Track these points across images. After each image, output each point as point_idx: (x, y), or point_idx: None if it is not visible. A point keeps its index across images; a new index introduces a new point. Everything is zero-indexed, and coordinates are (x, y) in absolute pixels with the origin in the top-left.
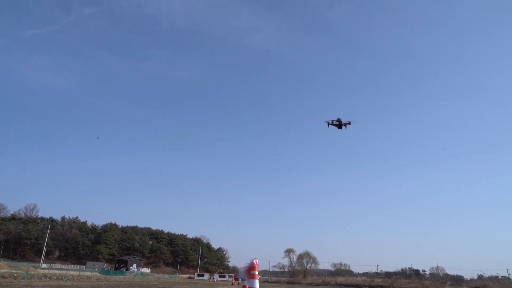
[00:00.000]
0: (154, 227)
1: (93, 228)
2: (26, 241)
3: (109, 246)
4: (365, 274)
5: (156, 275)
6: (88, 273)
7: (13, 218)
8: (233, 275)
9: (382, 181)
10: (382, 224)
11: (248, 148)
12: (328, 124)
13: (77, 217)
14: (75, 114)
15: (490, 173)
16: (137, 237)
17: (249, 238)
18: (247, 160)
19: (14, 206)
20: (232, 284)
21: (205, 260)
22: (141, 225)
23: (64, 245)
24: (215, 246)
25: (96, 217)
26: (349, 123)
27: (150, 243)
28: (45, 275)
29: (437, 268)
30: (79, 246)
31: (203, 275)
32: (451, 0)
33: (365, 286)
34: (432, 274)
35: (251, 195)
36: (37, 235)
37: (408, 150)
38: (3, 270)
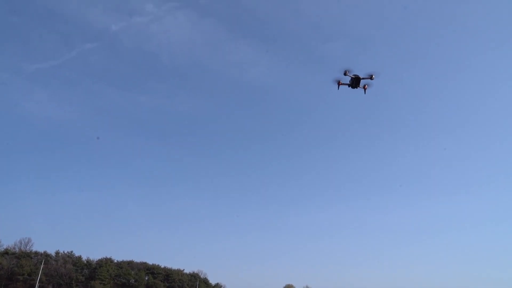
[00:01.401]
0: (150, 262)
1: (88, 263)
2: (19, 276)
3: (103, 282)
4: None
5: None
6: None
7: (6, 252)
8: None
9: (385, 215)
10: (381, 259)
11: (247, 181)
12: (339, 84)
13: (71, 252)
14: (72, 146)
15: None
16: (132, 272)
17: (248, 274)
18: (246, 194)
19: (8, 240)
20: None
21: None
22: (137, 259)
23: (58, 281)
24: (212, 281)
25: (91, 251)
26: (371, 78)
27: (146, 278)
28: None
29: None
30: (73, 282)
31: None
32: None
33: None
34: None
35: (250, 230)
36: (30, 271)
37: (412, 182)
38: None
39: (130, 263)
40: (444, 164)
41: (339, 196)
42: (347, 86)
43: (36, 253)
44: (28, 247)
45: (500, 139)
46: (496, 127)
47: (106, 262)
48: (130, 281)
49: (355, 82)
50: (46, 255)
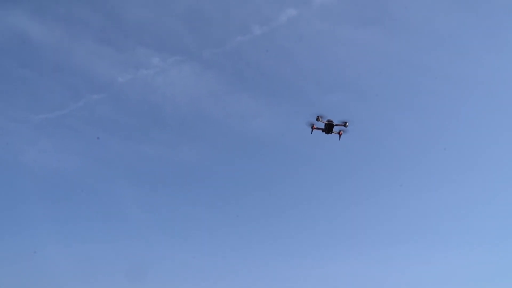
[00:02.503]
0: None
1: None
2: None
3: None
4: None
5: None
6: None
7: None
8: None
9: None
10: None
11: (252, 233)
12: (313, 128)
13: None
14: (74, 195)
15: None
16: None
17: None
18: (250, 246)
19: None
20: None
21: None
22: None
23: None
24: None
25: None
26: (345, 125)
27: None
28: None
29: None
30: None
31: None
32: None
33: None
34: None
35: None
36: None
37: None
38: None
39: None
40: (450, 216)
41: (355, 245)
42: (321, 131)
43: None
44: None
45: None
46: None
47: None
48: None
49: (328, 128)
50: None
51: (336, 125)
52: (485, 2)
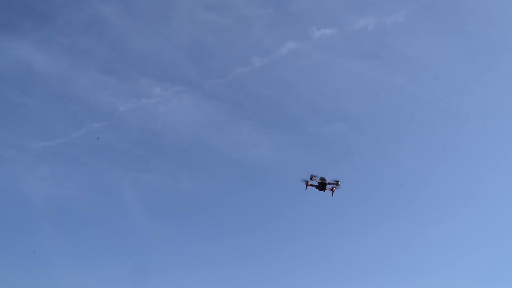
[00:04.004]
0: None
1: None
2: None
3: None
4: None
5: None
6: None
7: None
8: None
9: None
10: None
11: (253, 267)
12: (307, 184)
13: None
14: (72, 224)
15: None
16: None
17: None
18: (250, 279)
19: None
20: None
21: None
22: None
23: None
24: None
25: None
26: (337, 184)
27: None
28: None
29: None
30: None
31: None
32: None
33: None
34: None
35: None
36: None
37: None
38: None
39: None
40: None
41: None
42: (315, 188)
43: None
44: None
45: None
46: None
47: None
48: None
49: (321, 186)
50: None
51: (329, 183)
52: (480, 39)
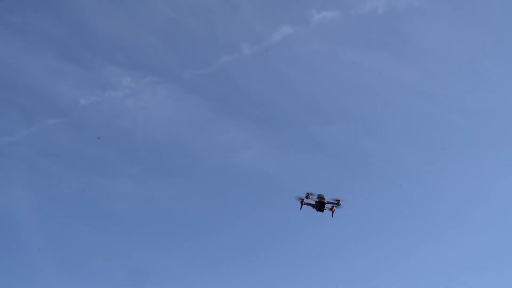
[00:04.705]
0: None
1: None
2: None
3: None
4: None
5: None
6: None
7: None
8: None
9: None
10: None
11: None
12: (302, 203)
13: None
14: (22, 236)
15: None
16: None
17: None
18: None
19: None
20: None
21: None
22: None
23: None
24: None
25: None
26: (338, 204)
27: None
28: None
29: None
30: None
31: None
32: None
33: None
34: None
35: None
36: None
37: None
38: None
39: None
40: None
41: None
42: (311, 207)
43: None
44: None
45: None
46: None
47: None
48: None
49: (319, 205)
50: None
51: (328, 202)
52: (508, 27)
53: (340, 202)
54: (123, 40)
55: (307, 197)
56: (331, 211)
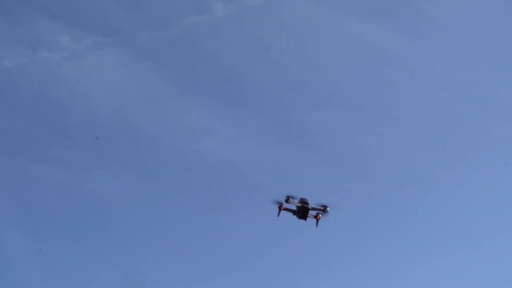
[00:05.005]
0: None
1: None
2: None
3: None
4: None
5: None
6: None
7: None
8: None
9: None
10: None
11: None
12: (280, 209)
13: None
14: None
15: None
16: None
17: None
18: None
19: None
20: None
21: None
22: None
23: None
24: None
25: None
26: (324, 211)
27: None
28: None
29: None
30: None
31: None
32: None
33: None
34: None
35: None
36: None
37: None
38: None
39: None
40: None
41: None
42: (292, 214)
43: None
44: None
45: None
46: None
47: None
48: None
49: (301, 212)
50: None
51: (313, 208)
52: None
53: (327, 209)
54: None
55: (287, 201)
56: (315, 219)
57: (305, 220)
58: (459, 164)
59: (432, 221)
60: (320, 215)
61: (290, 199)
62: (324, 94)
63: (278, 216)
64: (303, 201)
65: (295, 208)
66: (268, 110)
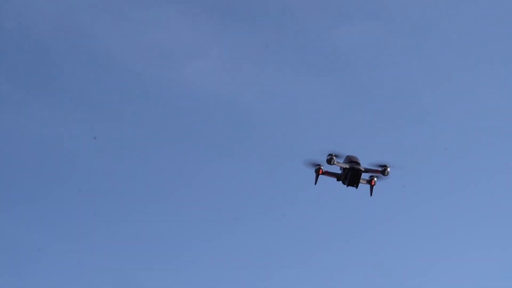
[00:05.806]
0: None
1: None
2: None
3: None
4: None
5: None
6: None
7: None
8: None
9: None
10: None
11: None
12: (319, 173)
13: None
14: None
15: None
16: None
17: None
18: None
19: None
20: None
21: None
22: None
23: None
24: None
25: None
26: (384, 172)
27: None
28: None
29: None
30: None
31: None
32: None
33: None
34: None
35: None
36: None
37: None
38: None
39: None
40: None
41: None
42: (336, 179)
43: None
44: None
45: None
46: None
47: None
48: None
49: (351, 176)
50: None
51: (367, 170)
52: None
53: (388, 170)
54: None
55: (329, 161)
56: (370, 185)
57: (357, 187)
58: None
59: None
60: (375, 180)
61: (334, 158)
62: (351, 5)
63: (315, 183)
64: (352, 160)
65: (340, 172)
66: (277, 25)
